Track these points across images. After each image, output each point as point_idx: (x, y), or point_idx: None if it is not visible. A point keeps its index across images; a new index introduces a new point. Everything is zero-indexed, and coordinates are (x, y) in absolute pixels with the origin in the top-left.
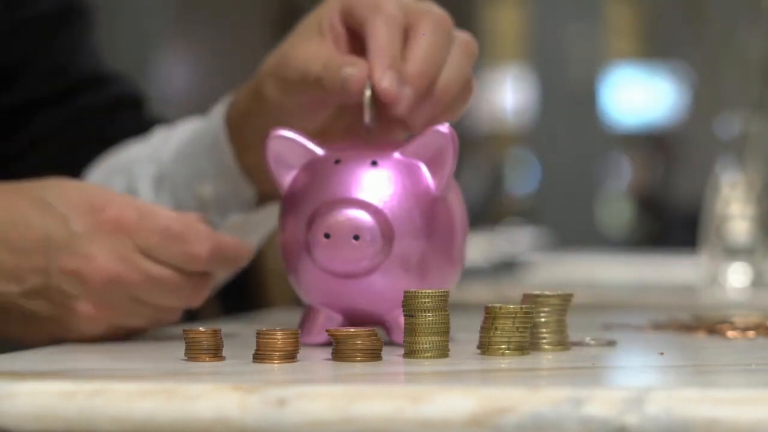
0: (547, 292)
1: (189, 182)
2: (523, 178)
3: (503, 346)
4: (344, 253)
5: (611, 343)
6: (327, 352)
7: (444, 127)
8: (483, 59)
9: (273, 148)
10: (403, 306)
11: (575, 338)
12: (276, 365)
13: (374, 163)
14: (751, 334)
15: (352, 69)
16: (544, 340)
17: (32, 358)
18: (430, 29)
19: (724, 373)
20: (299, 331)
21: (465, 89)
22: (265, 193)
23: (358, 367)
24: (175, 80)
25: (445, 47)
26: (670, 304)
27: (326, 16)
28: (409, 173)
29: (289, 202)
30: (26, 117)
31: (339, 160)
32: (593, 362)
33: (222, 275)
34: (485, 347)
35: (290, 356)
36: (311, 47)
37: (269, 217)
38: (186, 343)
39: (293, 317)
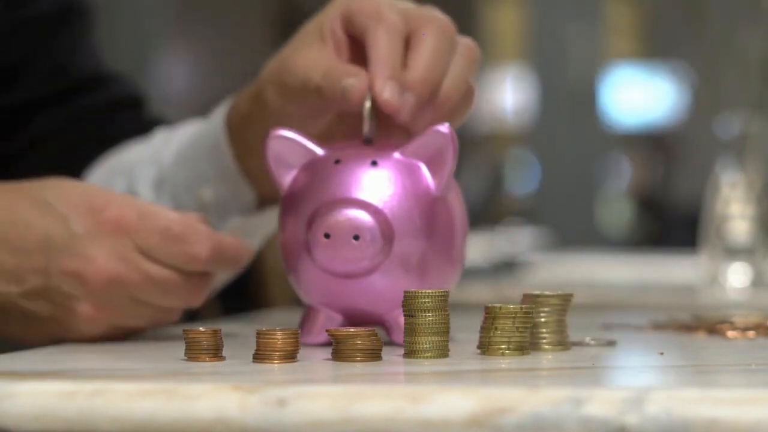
0: (547, 292)
1: (189, 184)
2: (523, 178)
3: (503, 346)
4: (344, 253)
5: (611, 343)
6: (327, 352)
7: (444, 127)
8: (483, 59)
9: (273, 148)
10: (403, 306)
11: (575, 338)
12: (276, 365)
13: (374, 163)
14: (751, 334)
15: (353, 80)
16: (544, 340)
17: (32, 358)
18: (432, 35)
19: (724, 373)
20: (299, 331)
21: (467, 95)
22: (266, 196)
23: (358, 367)
24: (175, 80)
25: (447, 53)
26: (670, 304)
27: (327, 22)
28: (409, 173)
29: (289, 202)
30: (26, 117)
31: (339, 160)
32: (593, 362)
33: (222, 275)
34: (485, 347)
35: (290, 356)
36: (312, 54)
37: (269, 220)
38: (186, 343)
39: (293, 317)
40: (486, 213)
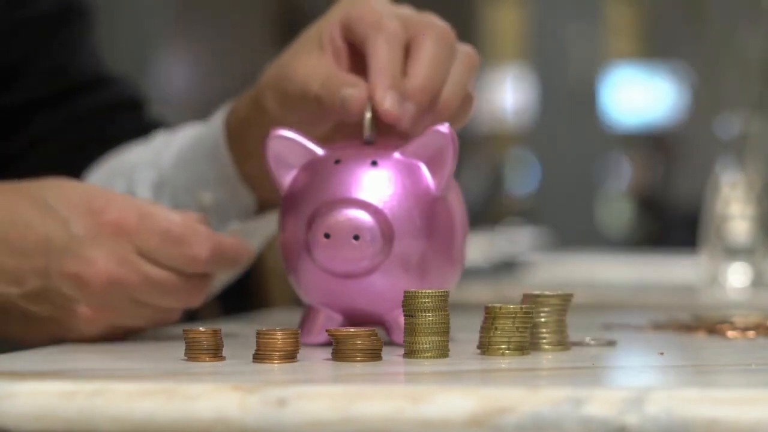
0: (547, 292)
1: (189, 188)
2: (523, 178)
3: (503, 346)
4: (344, 253)
5: (611, 343)
6: (327, 352)
7: (444, 127)
8: (483, 59)
9: (273, 148)
10: (403, 306)
11: (575, 338)
12: (276, 365)
13: (374, 163)
14: (751, 334)
15: (352, 90)
16: (544, 340)
17: (32, 358)
18: (431, 43)
19: (724, 373)
20: (299, 331)
21: (466, 102)
22: (265, 200)
23: (358, 367)
24: (175, 80)
25: (447, 61)
26: (670, 304)
27: (327, 29)
28: (409, 173)
29: (289, 202)
30: (26, 117)
31: (339, 160)
32: (593, 362)
33: (222, 276)
34: (485, 347)
35: (290, 356)
36: (311, 61)
37: (269, 224)
38: (186, 343)
39: (293, 317)
40: (486, 213)
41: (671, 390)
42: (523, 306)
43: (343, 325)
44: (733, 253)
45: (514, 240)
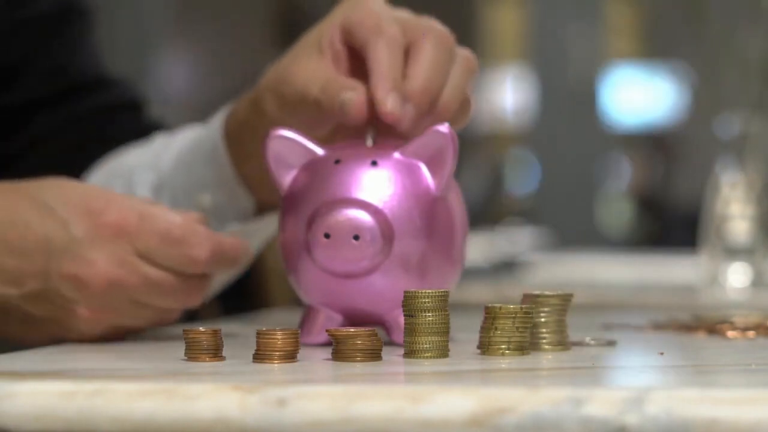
0: (547, 292)
1: (188, 190)
2: (523, 178)
3: (503, 346)
4: (344, 253)
5: (611, 343)
6: (327, 352)
7: (444, 127)
8: (483, 59)
9: (273, 148)
10: (403, 306)
11: (575, 338)
12: (276, 365)
13: (374, 163)
14: (751, 334)
15: (351, 93)
16: (544, 340)
17: (32, 358)
18: (431, 46)
19: (724, 373)
20: (299, 331)
21: (464, 105)
22: (264, 202)
23: (358, 367)
24: (175, 80)
25: (446, 64)
26: (670, 304)
27: (326, 33)
28: (409, 173)
29: (289, 202)
30: (26, 117)
31: (339, 160)
32: (593, 362)
33: (221, 276)
34: (485, 347)
35: (290, 356)
36: (310, 65)
37: (267, 225)
38: (186, 343)
39: (293, 317)
40: (486, 213)
41: (671, 390)
42: (523, 306)
43: (343, 325)
44: (733, 253)
45: (514, 240)
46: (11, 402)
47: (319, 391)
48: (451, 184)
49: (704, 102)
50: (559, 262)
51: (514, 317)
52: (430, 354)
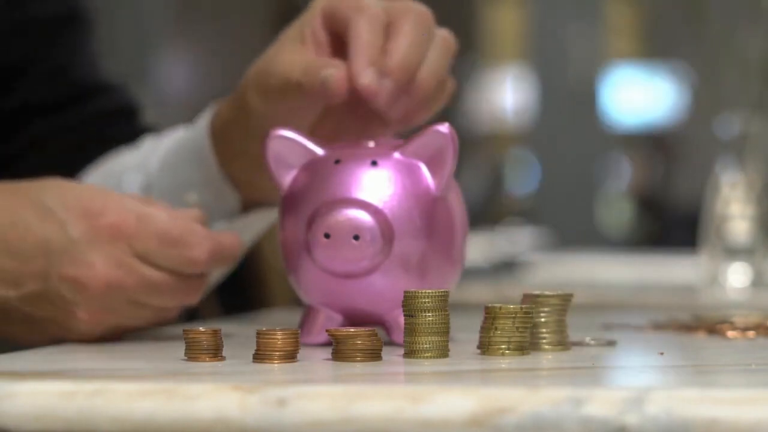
0: (547, 292)
1: (175, 190)
2: (523, 178)
3: (503, 346)
4: (344, 253)
5: (611, 343)
6: (327, 352)
7: (444, 127)
8: (483, 59)
9: (273, 148)
10: (403, 306)
11: (575, 338)
12: (276, 365)
13: (374, 163)
14: (751, 334)
15: (332, 69)
16: (544, 340)
17: (32, 358)
18: (410, 24)
19: (724, 373)
20: (299, 331)
21: (442, 85)
22: (250, 201)
23: (358, 367)
24: (175, 80)
25: (425, 42)
26: (670, 304)
27: (308, 23)
28: (409, 173)
29: (289, 202)
30: (26, 119)
31: (339, 160)
32: (593, 362)
33: (217, 272)
34: (485, 347)
35: (290, 356)
36: (292, 55)
37: (254, 222)
38: (186, 343)
39: (293, 317)
40: (486, 213)
41: (671, 390)
42: (523, 306)
43: (343, 325)
44: (733, 253)
45: (514, 240)
46: (11, 402)
47: (319, 391)
48: (451, 184)
49: (704, 102)
50: (559, 262)
51: (514, 317)
52: (430, 354)
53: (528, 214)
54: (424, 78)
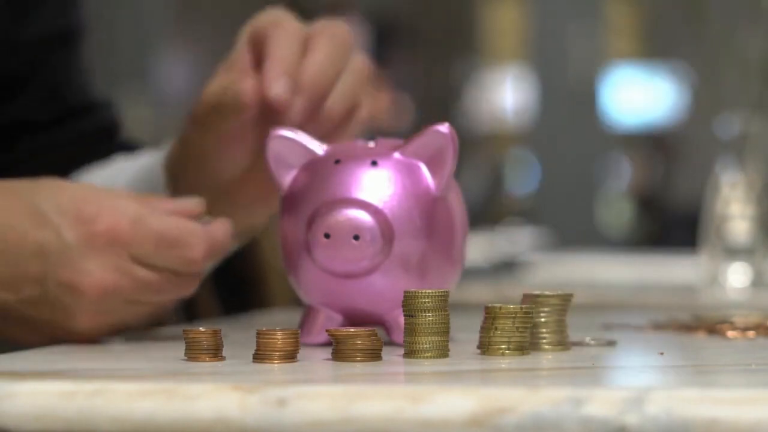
0: (547, 292)
1: None
2: (523, 178)
3: (503, 346)
4: (344, 253)
5: (611, 343)
6: (327, 352)
7: (444, 127)
8: (483, 59)
9: (273, 147)
10: (403, 306)
11: (575, 338)
12: (276, 365)
13: (374, 163)
14: (751, 334)
15: (242, 83)
16: (544, 340)
17: (32, 358)
18: (327, 40)
19: (724, 373)
20: (299, 331)
21: (352, 112)
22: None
23: (358, 367)
24: (175, 80)
25: (340, 59)
26: (670, 304)
27: (236, 50)
28: (409, 173)
29: (289, 202)
30: (17, 136)
31: (339, 160)
32: (593, 362)
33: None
34: (485, 347)
35: (290, 356)
36: (216, 80)
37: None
38: (186, 343)
39: (293, 317)
40: (486, 213)
41: (671, 390)
42: (523, 306)
43: (343, 325)
44: (733, 253)
45: (514, 240)
46: (11, 402)
47: (319, 391)
48: (451, 184)
49: (704, 102)
50: (559, 262)
51: (514, 317)
52: (430, 354)
53: (528, 214)
54: (336, 102)
